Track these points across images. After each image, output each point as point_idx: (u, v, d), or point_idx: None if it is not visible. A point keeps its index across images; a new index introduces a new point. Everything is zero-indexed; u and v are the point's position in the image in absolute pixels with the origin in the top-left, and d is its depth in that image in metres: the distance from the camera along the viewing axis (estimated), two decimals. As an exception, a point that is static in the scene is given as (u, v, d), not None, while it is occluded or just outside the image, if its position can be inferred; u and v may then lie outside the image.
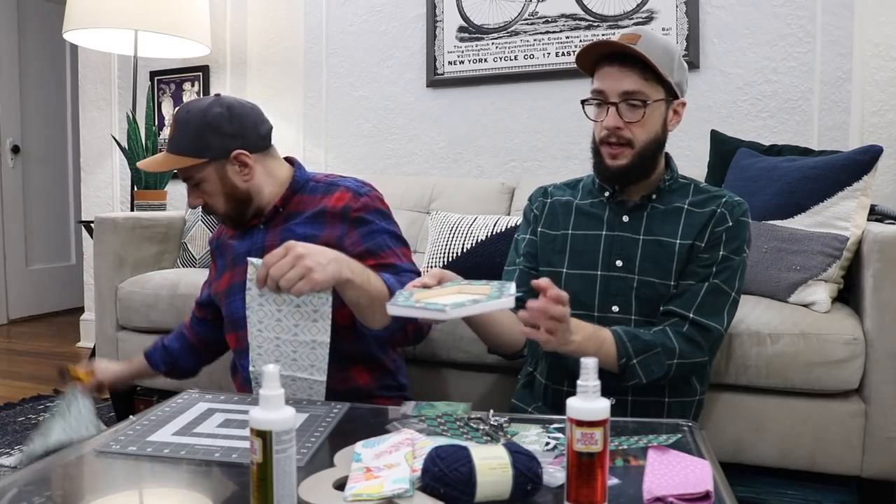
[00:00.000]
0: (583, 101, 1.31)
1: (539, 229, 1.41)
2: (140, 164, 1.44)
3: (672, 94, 1.26)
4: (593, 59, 1.27)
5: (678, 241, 1.28)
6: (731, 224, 1.28)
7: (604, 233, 1.33)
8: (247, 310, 1.26)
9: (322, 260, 1.12)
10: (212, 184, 1.38)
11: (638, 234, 1.31)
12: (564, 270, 1.35)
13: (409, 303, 0.96)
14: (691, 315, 1.24)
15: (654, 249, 1.29)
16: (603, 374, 1.19)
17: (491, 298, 0.97)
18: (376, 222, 1.39)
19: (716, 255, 1.27)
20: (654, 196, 1.31)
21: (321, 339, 1.23)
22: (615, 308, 1.30)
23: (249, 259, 1.23)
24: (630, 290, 1.29)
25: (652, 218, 1.31)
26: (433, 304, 0.95)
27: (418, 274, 1.42)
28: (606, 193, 1.34)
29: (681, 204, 1.31)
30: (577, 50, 1.27)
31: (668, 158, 1.35)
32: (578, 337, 1.14)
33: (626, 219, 1.32)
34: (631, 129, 1.24)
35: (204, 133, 1.35)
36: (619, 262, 1.30)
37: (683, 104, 1.30)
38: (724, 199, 1.30)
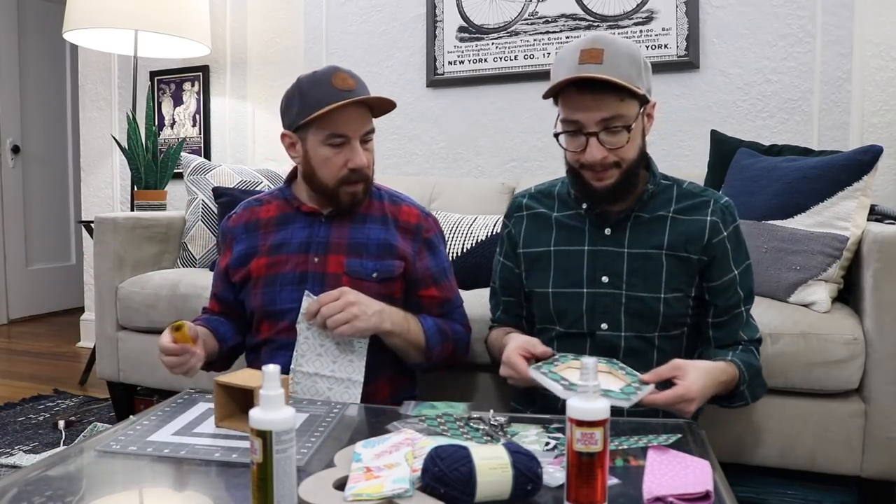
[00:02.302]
0: (556, 134, 1.22)
1: (520, 251, 1.36)
2: None
3: (644, 100, 1.20)
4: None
5: (665, 252, 1.24)
6: (727, 234, 1.25)
7: (586, 248, 1.28)
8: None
9: (368, 310, 1.26)
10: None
11: (622, 248, 1.26)
12: (550, 290, 1.31)
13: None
14: (745, 338, 1.28)
15: (642, 263, 1.25)
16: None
17: (635, 391, 1.06)
18: (441, 250, 1.48)
19: (733, 277, 1.26)
20: (636, 207, 1.26)
21: (356, 378, 1.31)
22: (604, 325, 1.27)
23: (307, 292, 1.30)
24: (619, 306, 1.26)
25: (636, 230, 1.26)
26: (612, 391, 1.04)
27: (462, 305, 1.52)
28: (584, 206, 1.29)
29: (664, 212, 1.26)
30: (549, 88, 1.19)
31: (648, 162, 1.29)
32: (705, 391, 1.11)
33: (608, 231, 1.27)
34: (616, 153, 1.18)
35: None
36: (605, 279, 1.26)
37: (654, 105, 1.24)
38: (710, 206, 1.26)
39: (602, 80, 1.12)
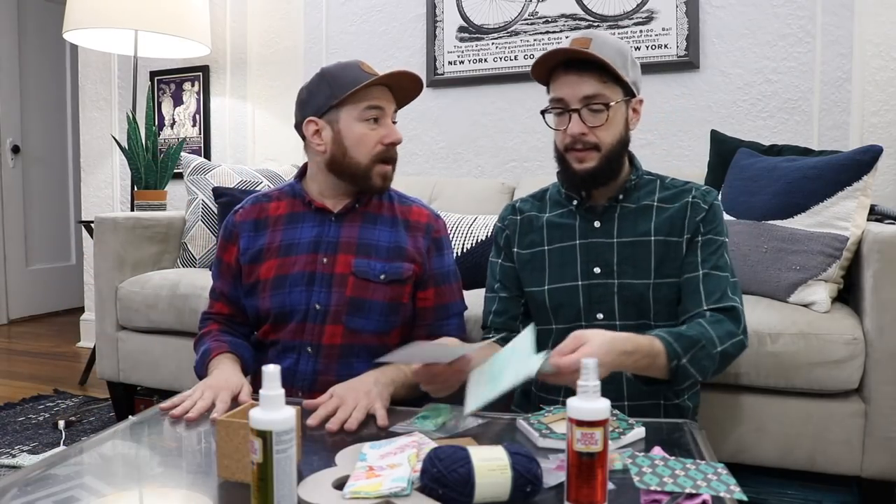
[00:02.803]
0: (543, 111, 1.28)
1: (514, 250, 1.39)
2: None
3: (629, 93, 1.26)
4: (548, 68, 1.25)
5: (653, 238, 1.28)
6: (706, 209, 1.27)
7: (577, 242, 1.31)
8: None
9: (360, 394, 1.17)
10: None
11: (611, 238, 1.29)
12: (546, 287, 1.33)
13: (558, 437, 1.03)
14: (706, 306, 1.22)
15: (630, 251, 1.28)
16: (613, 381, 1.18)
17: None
18: (447, 253, 1.47)
19: (697, 240, 1.27)
20: (620, 196, 1.30)
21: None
22: (600, 315, 1.29)
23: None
24: (612, 295, 1.28)
25: (623, 219, 1.30)
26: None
27: (462, 315, 1.48)
28: (574, 202, 1.33)
29: (649, 201, 1.31)
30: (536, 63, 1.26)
31: (630, 156, 1.33)
32: (629, 360, 1.08)
33: (597, 224, 1.31)
34: (595, 133, 1.23)
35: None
36: (597, 269, 1.29)
37: (641, 101, 1.29)
38: (693, 191, 1.30)
39: (584, 54, 1.19)
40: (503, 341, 1.38)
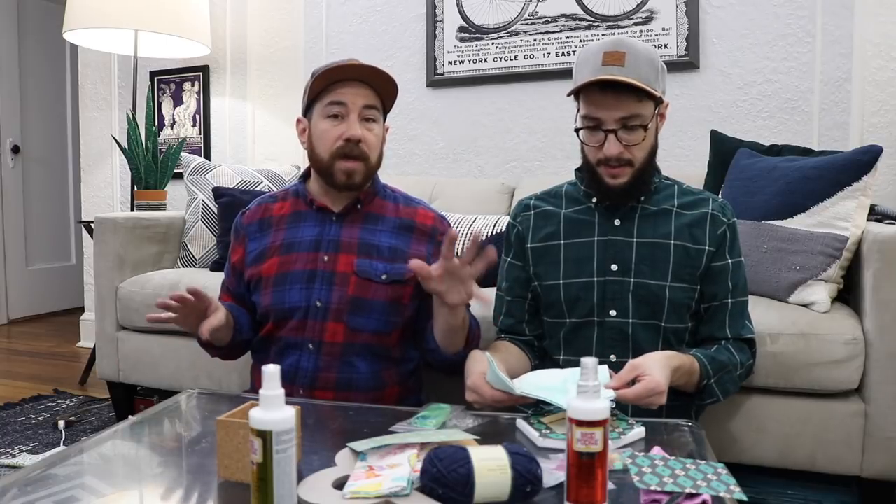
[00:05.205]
0: (577, 129, 1.29)
1: (528, 246, 1.39)
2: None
3: (658, 101, 1.26)
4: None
5: (672, 242, 1.30)
6: (728, 223, 1.32)
7: (596, 238, 1.33)
8: None
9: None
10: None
11: (631, 237, 1.31)
12: (561, 282, 1.34)
13: (558, 436, 1.03)
14: (729, 335, 1.30)
15: (650, 252, 1.30)
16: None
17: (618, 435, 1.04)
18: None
19: (726, 265, 1.31)
20: (642, 198, 1.32)
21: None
22: (613, 312, 1.31)
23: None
24: (627, 293, 1.30)
25: (643, 220, 1.32)
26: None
27: (469, 306, 1.46)
28: (594, 200, 1.35)
29: (669, 205, 1.33)
30: (574, 86, 1.26)
31: None
32: (668, 381, 1.11)
33: (617, 222, 1.33)
34: (631, 150, 1.25)
35: None
36: (614, 267, 1.31)
37: (667, 105, 1.31)
38: (710, 202, 1.34)
39: (624, 82, 1.19)
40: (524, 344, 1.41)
